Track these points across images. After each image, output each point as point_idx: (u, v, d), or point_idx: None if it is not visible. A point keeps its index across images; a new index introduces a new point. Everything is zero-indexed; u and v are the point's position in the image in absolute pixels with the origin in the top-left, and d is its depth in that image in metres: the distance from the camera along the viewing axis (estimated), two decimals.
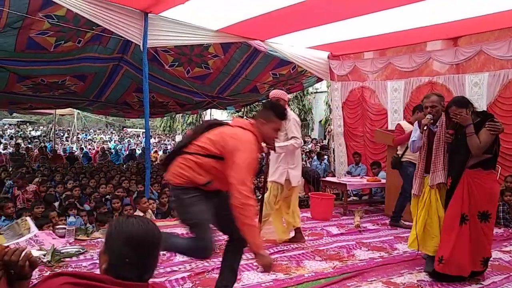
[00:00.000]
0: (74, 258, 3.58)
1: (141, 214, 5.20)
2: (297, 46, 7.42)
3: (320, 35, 6.67)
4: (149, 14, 5.63)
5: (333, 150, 8.65)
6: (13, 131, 24.13)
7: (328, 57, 8.06)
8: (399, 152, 5.04)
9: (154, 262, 1.34)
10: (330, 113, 8.83)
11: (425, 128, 3.44)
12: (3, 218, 4.82)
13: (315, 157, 10.16)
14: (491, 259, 3.86)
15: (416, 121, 3.83)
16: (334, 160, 8.61)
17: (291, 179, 4.10)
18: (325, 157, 9.94)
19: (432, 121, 3.40)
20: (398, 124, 5.25)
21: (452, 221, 3.17)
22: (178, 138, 22.13)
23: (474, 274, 3.23)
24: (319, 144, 13.11)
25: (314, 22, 5.97)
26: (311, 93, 21.81)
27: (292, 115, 3.99)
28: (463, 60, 6.14)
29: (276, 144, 3.43)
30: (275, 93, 4.20)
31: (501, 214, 5.45)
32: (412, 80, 6.86)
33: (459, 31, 6.08)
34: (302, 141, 4.20)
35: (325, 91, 19.09)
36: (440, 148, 3.38)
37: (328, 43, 7.25)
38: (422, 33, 6.17)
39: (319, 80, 9.84)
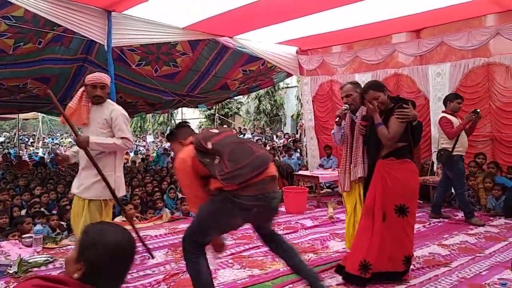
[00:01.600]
0: (43, 268, 3.46)
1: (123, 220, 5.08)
2: (266, 42, 7.43)
3: (288, 30, 6.70)
4: (112, 13, 5.47)
5: (305, 144, 8.73)
6: None
7: (297, 52, 8.12)
8: (446, 146, 4.83)
9: (128, 270, 1.32)
10: (301, 107, 8.89)
11: (337, 119, 3.31)
12: None
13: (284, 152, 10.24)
14: (454, 243, 4.03)
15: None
16: (306, 154, 8.70)
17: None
18: (295, 151, 10.03)
19: (347, 111, 3.25)
20: (443, 117, 4.90)
21: (366, 217, 2.95)
22: (150, 138, 21.72)
23: (396, 275, 2.94)
24: (291, 139, 13.20)
25: (282, 17, 5.98)
26: (282, 88, 21.92)
27: (120, 110, 3.20)
28: (426, 52, 6.34)
29: (93, 138, 3.01)
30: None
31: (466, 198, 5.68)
32: (379, 73, 7.02)
33: (422, 23, 6.27)
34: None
35: (296, 86, 19.27)
36: (359, 140, 3.31)
37: (296, 38, 7.30)
38: (387, 26, 6.32)
39: (289, 75, 9.90)
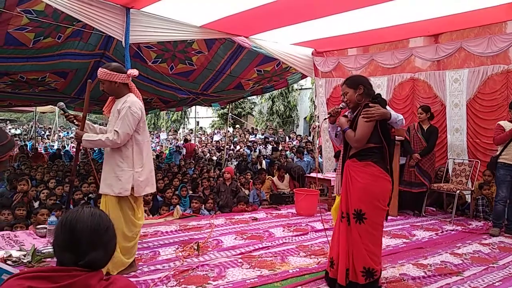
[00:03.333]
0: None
1: None
2: (282, 42, 7.42)
3: (304, 31, 6.68)
4: (131, 10, 5.53)
5: (320, 147, 8.68)
6: None
7: (312, 54, 8.09)
8: (497, 153, 4.82)
9: (90, 248, 1.32)
10: (314, 109, 8.86)
11: (326, 117, 3.05)
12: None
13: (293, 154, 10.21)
14: (467, 252, 3.94)
15: None
16: (321, 156, 8.65)
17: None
18: (307, 153, 9.99)
19: (340, 109, 2.96)
20: (498, 123, 4.84)
21: (338, 219, 2.91)
22: (163, 135, 21.90)
23: (355, 286, 2.72)
24: (303, 141, 13.16)
25: (298, 18, 5.97)
26: (296, 89, 21.89)
27: (131, 103, 3.09)
28: (444, 57, 6.25)
29: (86, 135, 3.11)
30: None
31: (480, 207, 5.60)
32: (394, 77, 6.95)
33: (440, 28, 6.18)
34: (123, 140, 3.05)
35: (310, 88, 19.23)
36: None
37: (312, 40, 7.27)
38: (405, 30, 6.25)
39: (304, 76, 9.86)
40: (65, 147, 16.18)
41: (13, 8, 5.58)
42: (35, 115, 17.24)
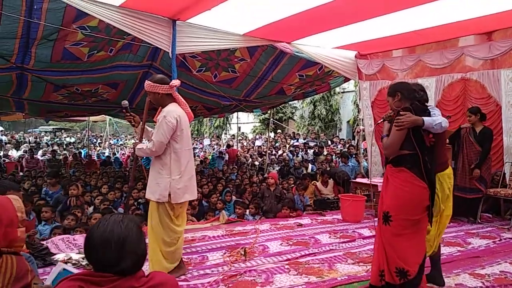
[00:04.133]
0: None
1: None
2: (324, 46, 7.37)
3: (347, 34, 6.60)
4: (177, 22, 5.74)
5: (364, 150, 8.50)
6: (48, 138, 25.15)
7: (356, 57, 7.95)
8: None
9: (116, 259, 1.40)
10: (358, 112, 8.69)
11: (379, 121, 3.02)
12: (43, 222, 5.03)
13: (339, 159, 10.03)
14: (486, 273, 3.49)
15: None
16: (367, 160, 8.47)
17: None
18: (351, 158, 9.79)
19: (390, 114, 2.89)
20: None
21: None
22: (206, 141, 22.37)
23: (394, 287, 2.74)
24: (347, 145, 12.93)
25: (340, 22, 5.91)
26: (338, 93, 21.56)
27: (167, 113, 3.22)
28: (499, 55, 5.92)
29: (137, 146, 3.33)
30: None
31: None
32: (443, 77, 6.67)
33: (493, 25, 5.87)
34: (158, 148, 3.18)
35: (353, 91, 18.85)
36: None
37: (355, 43, 7.16)
38: (453, 29, 6.00)
39: (347, 80, 9.71)
40: (115, 154, 16.99)
41: (70, 25, 5.98)
42: (88, 124, 18.25)
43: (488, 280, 3.24)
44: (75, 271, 2.66)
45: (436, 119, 2.72)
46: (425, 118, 2.69)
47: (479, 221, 5.45)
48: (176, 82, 3.38)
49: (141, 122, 3.50)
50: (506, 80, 5.85)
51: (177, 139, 3.27)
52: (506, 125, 5.88)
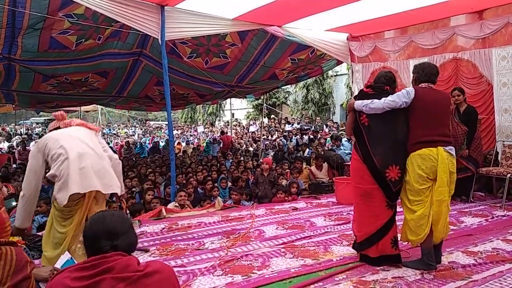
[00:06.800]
0: None
1: (176, 206, 5.35)
2: (315, 29, 7.30)
3: (338, 16, 6.54)
4: (165, 7, 5.65)
5: None
6: (40, 129, 24.90)
7: (348, 39, 7.90)
8: None
9: (118, 233, 1.54)
10: (351, 95, 8.69)
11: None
12: (41, 215, 5.00)
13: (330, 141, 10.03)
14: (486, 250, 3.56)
15: None
16: None
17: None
18: (346, 141, 9.79)
19: None
20: None
21: None
22: (200, 128, 22.29)
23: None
24: (340, 129, 12.94)
25: (331, 3, 5.85)
26: (331, 76, 21.49)
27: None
28: (490, 34, 5.90)
29: None
30: None
31: None
32: (436, 57, 6.65)
33: (484, 4, 5.84)
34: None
35: (346, 74, 18.79)
36: None
37: (347, 25, 7.10)
38: (445, 8, 5.96)
39: (339, 62, 9.67)
40: (108, 143, 16.89)
41: (55, 14, 5.86)
42: (80, 114, 18.06)
43: (480, 257, 3.29)
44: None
45: (365, 101, 3.08)
46: (356, 102, 3.15)
47: (472, 200, 5.51)
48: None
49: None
50: (498, 59, 5.85)
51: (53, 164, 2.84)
52: (497, 104, 5.90)
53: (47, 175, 2.88)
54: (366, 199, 3.10)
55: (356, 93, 8.25)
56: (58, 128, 3.13)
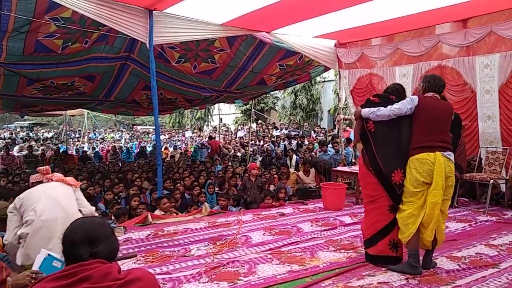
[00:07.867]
0: None
1: (162, 213, 5.29)
2: (303, 35, 7.36)
3: (326, 23, 6.60)
4: (153, 12, 5.62)
5: (346, 140, 8.58)
6: (25, 133, 24.45)
7: (335, 46, 7.98)
8: None
9: (98, 241, 1.51)
10: (339, 101, 8.76)
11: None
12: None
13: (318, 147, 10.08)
14: (503, 243, 3.84)
15: None
16: (345, 149, 8.55)
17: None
18: (331, 147, 9.84)
19: None
20: None
21: None
22: (188, 133, 22.17)
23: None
24: (328, 134, 13.02)
25: (320, 10, 5.90)
26: (319, 82, 21.66)
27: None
28: (473, 42, 6.03)
29: None
30: None
31: None
32: (421, 65, 6.77)
33: (468, 13, 5.96)
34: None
35: (333, 80, 18.97)
36: None
37: (335, 31, 7.17)
38: (430, 17, 6.07)
39: (327, 69, 9.76)
40: (94, 148, 16.66)
41: (42, 17, 5.78)
42: (66, 119, 17.82)
43: (464, 262, 3.34)
44: (59, 256, 2.62)
45: (372, 109, 3.21)
46: (364, 109, 3.26)
47: (456, 205, 5.59)
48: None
49: None
50: (481, 67, 5.97)
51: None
52: (481, 111, 6.02)
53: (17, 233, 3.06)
54: (371, 203, 3.32)
55: (343, 99, 8.38)
56: (41, 182, 3.38)
